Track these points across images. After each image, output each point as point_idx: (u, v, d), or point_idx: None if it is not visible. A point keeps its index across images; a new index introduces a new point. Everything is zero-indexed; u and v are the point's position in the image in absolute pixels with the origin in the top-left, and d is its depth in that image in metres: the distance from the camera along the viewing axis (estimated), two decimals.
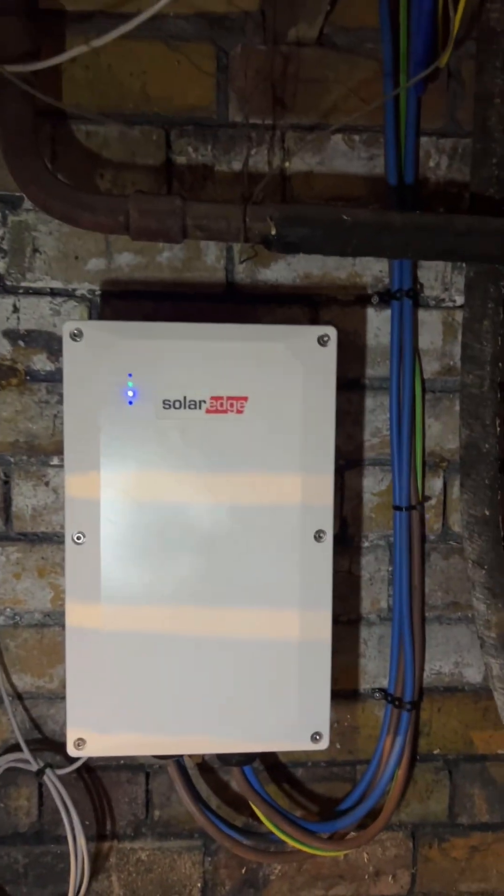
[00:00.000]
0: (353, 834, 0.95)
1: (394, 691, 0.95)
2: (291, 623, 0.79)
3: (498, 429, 0.91)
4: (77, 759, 0.89)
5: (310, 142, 0.89)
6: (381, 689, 0.97)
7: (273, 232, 0.76)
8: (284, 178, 0.90)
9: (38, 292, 0.89)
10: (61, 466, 0.90)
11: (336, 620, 0.92)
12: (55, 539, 0.91)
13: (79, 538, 0.77)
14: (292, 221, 0.76)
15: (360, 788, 0.96)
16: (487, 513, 0.90)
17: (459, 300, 0.94)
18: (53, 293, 0.89)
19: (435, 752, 1.00)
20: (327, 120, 0.89)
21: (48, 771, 0.89)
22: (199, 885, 0.98)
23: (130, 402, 0.76)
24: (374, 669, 0.97)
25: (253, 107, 0.88)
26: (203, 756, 0.95)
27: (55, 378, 0.90)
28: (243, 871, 0.98)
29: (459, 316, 0.94)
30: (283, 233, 0.76)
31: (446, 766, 1.00)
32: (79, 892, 0.89)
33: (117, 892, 0.97)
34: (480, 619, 0.92)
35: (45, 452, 0.91)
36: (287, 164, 0.85)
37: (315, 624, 0.80)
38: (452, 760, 1.00)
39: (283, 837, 0.92)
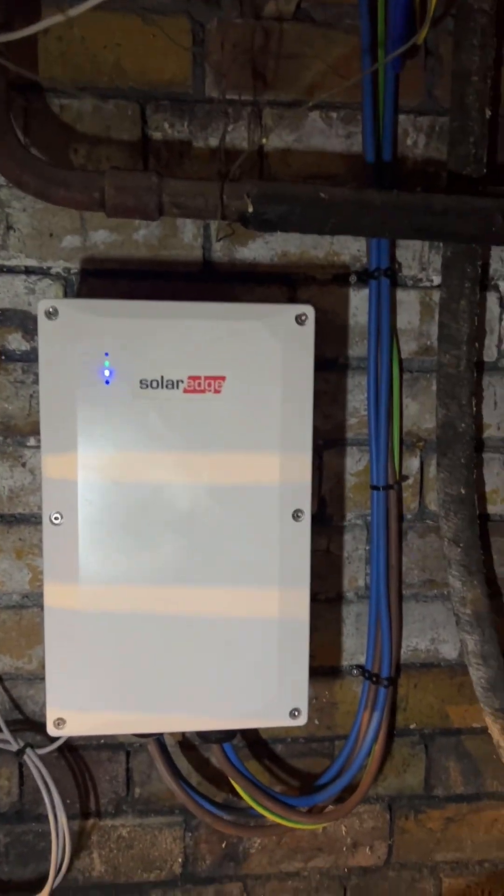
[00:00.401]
0: (331, 807, 0.97)
1: (371, 668, 0.96)
2: (270, 601, 0.80)
3: (474, 408, 0.92)
4: (57, 738, 0.90)
5: (287, 118, 0.88)
6: (359, 666, 0.98)
7: (250, 209, 0.75)
8: (261, 156, 0.89)
9: (11, 270, 0.88)
10: (38, 447, 0.90)
11: (314, 598, 0.93)
12: (32, 520, 0.91)
13: (56, 519, 0.76)
14: (270, 199, 0.75)
15: (339, 763, 0.97)
16: (463, 491, 0.91)
17: (437, 280, 0.94)
18: (28, 271, 0.88)
19: (411, 726, 1.01)
20: (305, 96, 0.88)
21: (28, 751, 0.89)
22: (179, 859, 0.99)
23: (107, 382, 0.75)
24: (352, 647, 0.98)
25: (230, 82, 0.87)
26: (183, 734, 0.96)
27: (30, 358, 0.89)
28: (223, 845, 1.00)
29: (436, 296, 0.94)
30: (261, 210, 0.75)
31: (422, 741, 1.02)
32: (60, 869, 0.90)
33: (99, 869, 0.98)
34: (456, 596, 0.94)
35: (21, 433, 0.90)
36: (265, 140, 0.84)
37: (293, 602, 0.80)
38: (428, 735, 1.02)
39: (263, 812, 0.93)
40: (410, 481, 0.97)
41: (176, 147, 0.88)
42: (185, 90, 0.87)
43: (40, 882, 0.95)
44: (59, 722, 0.78)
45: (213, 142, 0.88)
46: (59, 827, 0.89)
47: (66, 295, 0.89)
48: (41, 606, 0.92)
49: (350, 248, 0.92)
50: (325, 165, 0.90)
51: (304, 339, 0.77)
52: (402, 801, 1.03)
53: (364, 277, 0.92)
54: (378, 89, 0.88)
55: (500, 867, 1.06)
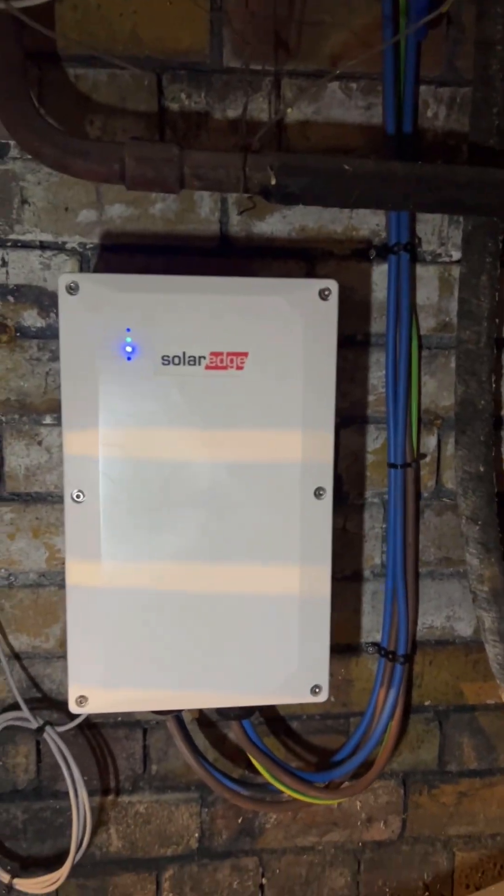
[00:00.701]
0: (347, 783, 0.98)
1: (387, 645, 0.96)
2: (291, 579, 0.80)
3: (493, 385, 0.91)
4: (76, 716, 0.90)
5: (306, 90, 0.86)
6: (375, 644, 0.99)
7: (273, 182, 0.74)
8: (280, 128, 0.88)
9: (27, 245, 0.86)
10: (54, 425, 0.89)
11: (331, 577, 0.93)
12: (49, 499, 0.90)
13: (78, 496, 0.76)
14: (293, 171, 0.74)
15: (355, 740, 0.98)
16: (482, 469, 0.91)
17: (456, 255, 0.93)
18: (43, 246, 0.87)
19: (426, 703, 1.02)
20: (328, 66, 0.87)
21: (48, 728, 0.89)
22: (196, 834, 1.00)
23: (129, 359, 0.74)
24: (368, 624, 0.99)
25: (250, 51, 0.85)
26: (201, 711, 0.96)
27: (46, 335, 0.88)
28: (239, 820, 1.01)
29: (456, 271, 0.93)
30: (284, 183, 0.74)
31: (437, 717, 1.03)
32: (81, 845, 0.91)
33: (116, 844, 0.98)
34: (473, 573, 0.94)
35: (37, 411, 0.89)
36: (289, 109, 0.82)
37: (314, 579, 0.80)
38: (443, 711, 1.03)
39: (281, 788, 0.93)
40: (428, 459, 0.97)
41: (193, 118, 0.86)
42: (202, 59, 0.85)
43: (58, 857, 0.96)
44: (82, 699, 0.78)
45: (231, 113, 0.86)
46: (80, 803, 0.90)
47: (81, 270, 0.87)
48: (58, 585, 0.91)
49: (369, 223, 0.91)
50: (345, 138, 0.89)
51: (327, 315, 0.76)
52: (417, 777, 1.03)
53: (383, 252, 0.91)
54: (399, 59, 0.86)
55: None
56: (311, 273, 0.91)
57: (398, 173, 0.75)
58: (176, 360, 0.75)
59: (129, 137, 0.74)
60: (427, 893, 1.06)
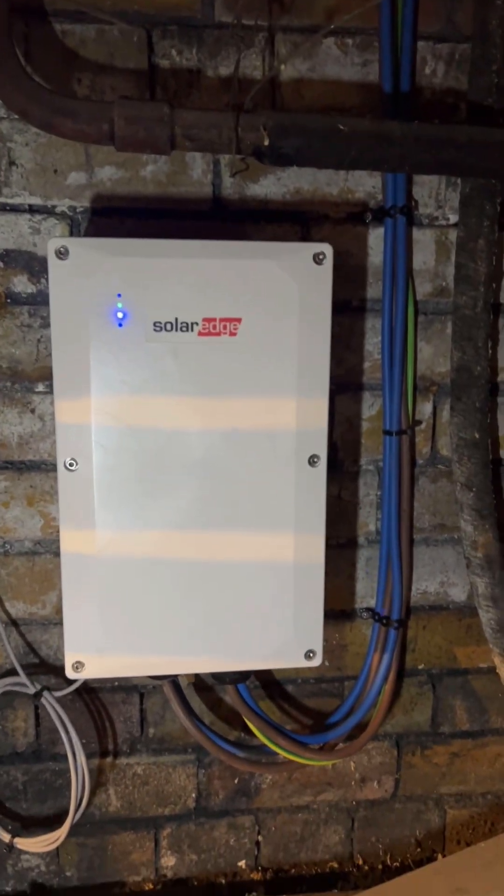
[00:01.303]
0: (342, 745, 0.99)
1: (381, 611, 0.97)
2: (286, 546, 0.80)
3: (490, 351, 0.90)
4: (73, 681, 0.91)
5: (301, 45, 0.84)
6: (369, 609, 0.99)
7: (266, 142, 0.72)
8: (274, 86, 0.85)
9: (15, 209, 0.85)
10: (47, 393, 0.88)
11: (325, 544, 0.93)
12: (43, 467, 0.90)
13: (71, 465, 0.75)
14: (287, 131, 0.72)
15: (349, 703, 0.99)
16: (477, 436, 0.91)
17: (453, 218, 0.91)
18: (32, 210, 0.85)
19: (420, 667, 1.03)
20: (323, 21, 0.84)
21: (46, 693, 0.90)
22: (193, 795, 1.02)
23: (120, 325, 0.73)
24: (362, 590, 0.99)
25: (242, 5, 0.82)
26: (197, 675, 0.98)
27: (37, 301, 0.86)
28: (236, 781, 1.02)
29: (453, 235, 0.91)
30: (278, 143, 0.72)
31: (430, 680, 1.04)
32: (80, 805, 0.92)
33: (115, 805, 1.00)
34: (467, 540, 0.94)
35: (29, 378, 0.88)
36: (282, 66, 0.80)
37: (308, 547, 0.81)
38: (436, 675, 1.04)
39: (276, 750, 0.95)
40: (423, 426, 0.96)
41: (184, 76, 0.84)
42: (193, 14, 0.83)
43: (58, 817, 0.98)
44: (78, 665, 0.79)
45: (224, 71, 0.84)
46: (79, 765, 0.91)
47: (71, 234, 0.86)
48: (54, 553, 0.92)
49: (365, 185, 0.89)
50: (340, 96, 0.87)
51: (322, 280, 0.75)
52: (410, 738, 1.05)
53: (379, 215, 0.89)
54: (397, 13, 0.83)
55: (503, 799, 1.09)
56: (305, 237, 0.89)
57: (395, 133, 0.73)
58: (168, 327, 0.74)
59: (119, 97, 0.72)
60: (419, 849, 1.09)
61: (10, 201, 0.84)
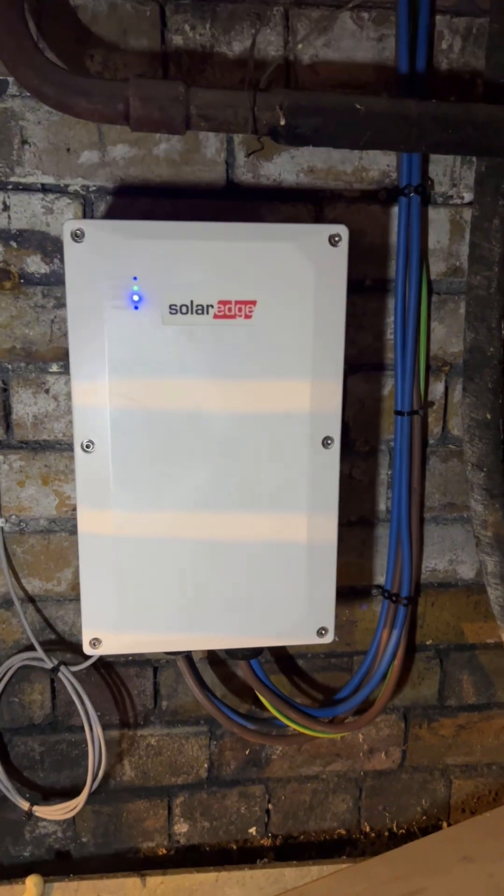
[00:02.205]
0: (351, 718, 1.02)
1: (391, 588, 0.98)
2: (299, 527, 0.81)
3: (503, 332, 0.90)
4: (89, 656, 0.93)
5: (317, 20, 0.82)
6: (379, 586, 1.01)
7: (282, 122, 0.72)
8: (288, 62, 0.84)
9: (28, 188, 0.84)
10: (61, 373, 0.89)
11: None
12: (57, 447, 0.91)
13: (88, 446, 0.76)
14: (303, 111, 0.71)
15: (358, 677, 1.01)
16: (489, 416, 0.91)
17: (468, 197, 0.90)
18: (45, 189, 0.84)
19: (428, 642, 1.05)
20: None
21: (62, 668, 0.92)
22: (205, 765, 1.04)
23: (136, 307, 0.73)
24: (372, 567, 1.01)
25: None
26: (210, 650, 0.99)
27: (51, 281, 0.86)
28: (247, 752, 1.05)
29: (468, 214, 0.91)
30: (294, 123, 0.71)
31: (437, 655, 1.06)
32: (97, 775, 0.95)
33: (130, 774, 1.03)
34: (477, 519, 0.95)
35: (43, 359, 0.88)
36: (300, 45, 0.79)
37: (322, 527, 0.82)
38: (444, 650, 1.06)
39: (287, 723, 0.97)
40: (434, 406, 0.97)
41: (198, 53, 0.83)
42: None
43: (74, 786, 1.01)
44: (95, 642, 0.81)
45: (237, 47, 0.83)
46: (95, 737, 0.94)
47: (84, 214, 0.85)
48: (69, 531, 0.93)
49: (379, 164, 0.88)
50: (355, 72, 0.85)
51: (337, 261, 0.75)
52: (417, 711, 1.07)
53: (394, 194, 0.89)
54: None
55: None
56: (319, 216, 0.89)
57: (412, 113, 0.73)
58: (184, 310, 0.74)
59: (134, 75, 0.71)
60: (425, 818, 1.12)
61: (22, 180, 0.84)
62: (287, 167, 0.87)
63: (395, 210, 0.89)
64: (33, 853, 1.04)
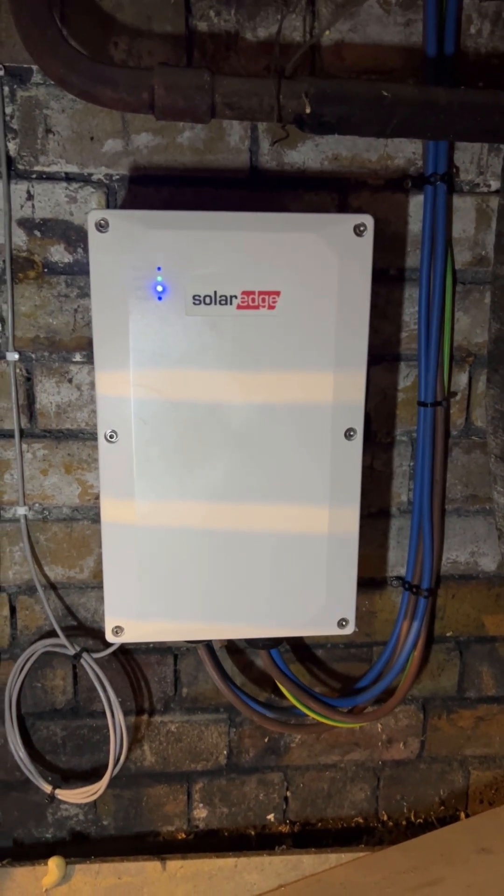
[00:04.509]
0: (370, 709, 1.02)
1: (412, 579, 0.98)
2: (321, 518, 0.81)
3: None
4: (110, 643, 0.94)
5: (342, 5, 0.81)
6: (400, 578, 1.01)
7: (308, 110, 0.71)
8: (314, 48, 0.83)
9: (52, 177, 0.84)
10: (84, 363, 0.89)
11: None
12: (80, 436, 0.91)
13: (111, 437, 0.76)
14: (329, 99, 0.70)
15: (378, 668, 1.01)
16: None
17: (495, 185, 0.89)
18: (69, 178, 0.84)
19: (448, 634, 1.05)
20: None
21: (85, 654, 0.93)
22: (224, 752, 1.05)
23: (160, 298, 0.73)
24: (393, 559, 1.00)
25: None
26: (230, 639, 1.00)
27: (74, 270, 0.87)
28: (266, 740, 1.06)
29: (494, 202, 0.89)
30: (319, 111, 0.71)
31: (458, 647, 1.06)
32: (118, 760, 0.96)
33: (150, 760, 1.04)
34: (500, 511, 0.94)
35: (66, 349, 0.89)
36: (328, 31, 0.78)
37: (343, 519, 0.81)
38: (464, 642, 1.05)
39: (306, 712, 0.98)
40: (458, 397, 0.96)
41: (222, 39, 0.82)
42: None
43: (95, 770, 1.02)
44: (118, 630, 0.82)
45: (262, 32, 0.82)
46: (117, 722, 0.95)
47: (108, 203, 0.85)
48: (91, 520, 0.94)
49: (405, 151, 0.87)
50: (382, 57, 0.84)
51: (362, 252, 0.74)
52: (436, 702, 1.07)
53: (419, 182, 0.88)
54: None
55: None
56: (343, 204, 0.88)
57: (440, 100, 0.72)
58: (207, 300, 0.74)
59: (158, 63, 0.71)
60: (443, 808, 1.12)
61: (46, 169, 0.84)
62: (311, 155, 0.86)
63: (420, 198, 0.88)
64: (55, 835, 1.05)
